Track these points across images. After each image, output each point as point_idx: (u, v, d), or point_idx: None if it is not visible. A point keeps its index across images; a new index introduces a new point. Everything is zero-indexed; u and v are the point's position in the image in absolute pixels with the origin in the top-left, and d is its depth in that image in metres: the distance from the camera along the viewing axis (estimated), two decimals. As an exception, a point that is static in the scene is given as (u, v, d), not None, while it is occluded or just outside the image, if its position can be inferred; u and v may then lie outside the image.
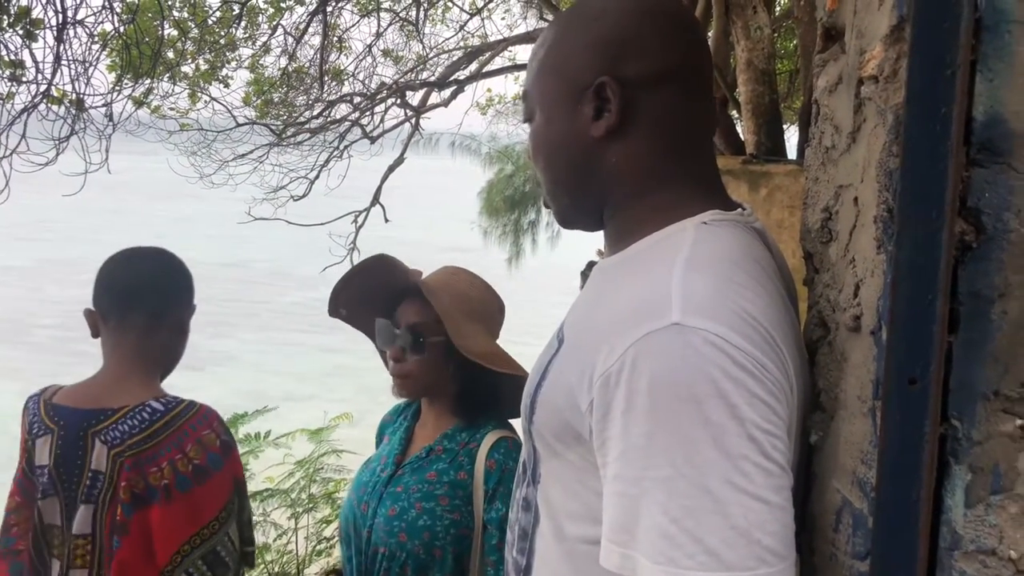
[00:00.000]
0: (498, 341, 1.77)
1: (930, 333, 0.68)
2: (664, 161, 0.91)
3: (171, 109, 7.48)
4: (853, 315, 0.78)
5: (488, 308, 1.73)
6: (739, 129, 6.40)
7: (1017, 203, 0.65)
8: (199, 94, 7.50)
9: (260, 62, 7.94)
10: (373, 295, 1.71)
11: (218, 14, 7.30)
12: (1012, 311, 0.66)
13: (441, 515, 1.56)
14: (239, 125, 7.44)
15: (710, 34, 6.03)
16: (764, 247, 0.92)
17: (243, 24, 7.47)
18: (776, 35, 7.54)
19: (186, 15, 6.95)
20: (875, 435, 0.74)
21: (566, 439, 0.86)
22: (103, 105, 4.41)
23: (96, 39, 4.33)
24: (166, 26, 6.05)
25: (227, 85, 7.71)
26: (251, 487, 4.61)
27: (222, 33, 7.45)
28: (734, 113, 6.85)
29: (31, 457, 1.51)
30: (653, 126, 0.90)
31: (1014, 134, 0.65)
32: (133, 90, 5.66)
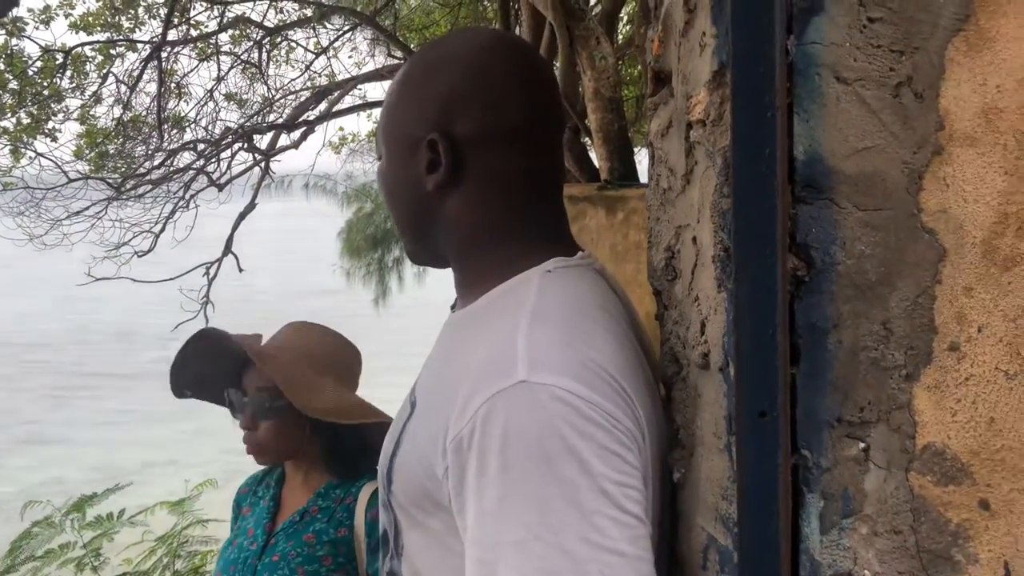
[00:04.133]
0: (368, 385, 1.74)
1: (774, 367, 0.70)
2: (502, 217, 0.90)
3: (-10, 167, 6.93)
4: (701, 352, 0.79)
5: (340, 358, 1.68)
6: (592, 156, 6.62)
7: (842, 236, 0.68)
8: (23, 150, 6.98)
9: (91, 113, 7.50)
10: (217, 367, 1.64)
11: (39, 63, 6.84)
12: (846, 340, 0.69)
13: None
14: (71, 181, 6.97)
15: (556, 65, 6.22)
16: (609, 289, 0.92)
17: (68, 73, 7.04)
18: (620, 63, 7.86)
19: (1, 66, 6.48)
20: (732, 470, 0.75)
21: (426, 506, 0.83)
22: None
23: None
24: (-21, 79, 5.62)
25: (55, 139, 7.22)
26: (106, 573, 4.26)
27: (45, 84, 6.98)
28: (586, 141, 7.08)
29: None
30: (487, 183, 0.89)
31: (833, 171, 0.68)
32: (-56, 149, 5.20)
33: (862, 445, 0.70)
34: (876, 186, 0.67)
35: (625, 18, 9.48)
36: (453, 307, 0.97)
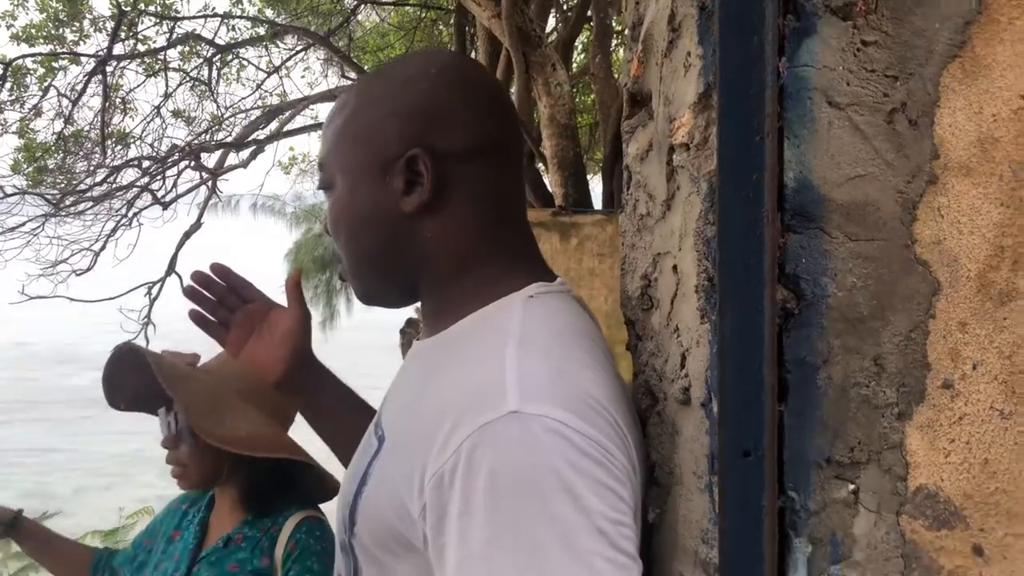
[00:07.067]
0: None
1: (760, 404, 0.66)
2: (481, 236, 0.85)
3: (-78, 181, 6.66)
4: (681, 387, 0.75)
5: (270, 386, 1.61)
6: (546, 182, 6.64)
7: (833, 267, 0.65)
8: (-44, 162, 6.72)
9: (30, 126, 7.26)
10: (151, 383, 1.56)
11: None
12: (836, 376, 0.66)
13: None
14: (7, 196, 6.73)
15: (513, 91, 6.24)
16: (588, 317, 0.88)
17: (8, 86, 6.81)
18: (575, 90, 7.93)
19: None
20: (714, 512, 0.71)
21: (396, 550, 0.76)
22: None
23: None
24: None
25: (-9, 152, 6.97)
26: (32, 606, 4.03)
27: (-18, 96, 6.75)
28: (540, 167, 7.11)
29: None
30: (468, 201, 0.84)
31: (824, 199, 0.65)
32: None
33: (852, 487, 0.66)
34: (868, 215, 0.64)
35: (580, 47, 9.60)
36: (403, 331, 0.91)
